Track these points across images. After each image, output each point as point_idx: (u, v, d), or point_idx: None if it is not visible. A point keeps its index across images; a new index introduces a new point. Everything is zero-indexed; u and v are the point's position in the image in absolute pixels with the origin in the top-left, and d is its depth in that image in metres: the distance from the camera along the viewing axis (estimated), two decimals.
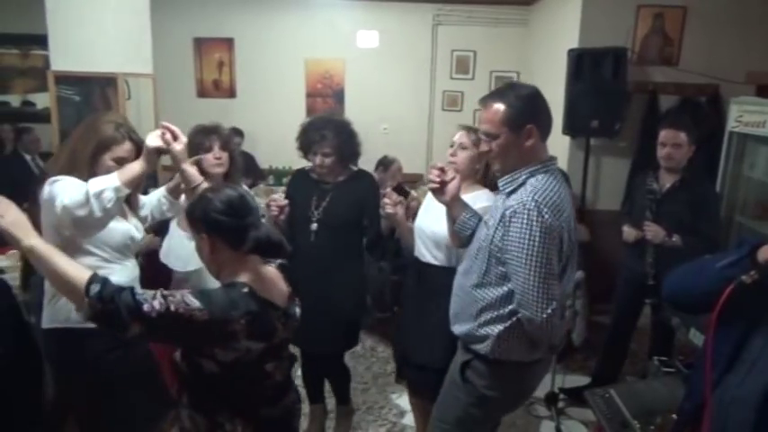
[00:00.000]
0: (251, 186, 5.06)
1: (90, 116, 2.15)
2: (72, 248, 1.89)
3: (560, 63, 4.30)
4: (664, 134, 3.00)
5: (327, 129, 2.62)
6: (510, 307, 1.83)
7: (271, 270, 1.67)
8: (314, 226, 2.66)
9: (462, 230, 2.10)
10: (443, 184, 2.09)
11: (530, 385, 2.08)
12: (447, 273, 2.33)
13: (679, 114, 4.01)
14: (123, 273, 2.02)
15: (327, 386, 3.10)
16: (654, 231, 2.95)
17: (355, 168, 2.81)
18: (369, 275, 3.35)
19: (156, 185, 3.15)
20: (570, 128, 4.16)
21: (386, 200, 2.47)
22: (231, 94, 6.33)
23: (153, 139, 1.96)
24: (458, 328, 2.01)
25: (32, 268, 2.06)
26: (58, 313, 1.97)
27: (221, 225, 1.52)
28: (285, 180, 5.76)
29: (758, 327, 1.42)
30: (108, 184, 1.88)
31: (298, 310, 1.70)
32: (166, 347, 1.95)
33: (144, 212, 2.26)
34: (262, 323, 1.50)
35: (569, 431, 3.20)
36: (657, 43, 4.37)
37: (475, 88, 6.23)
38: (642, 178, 3.19)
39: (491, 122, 1.82)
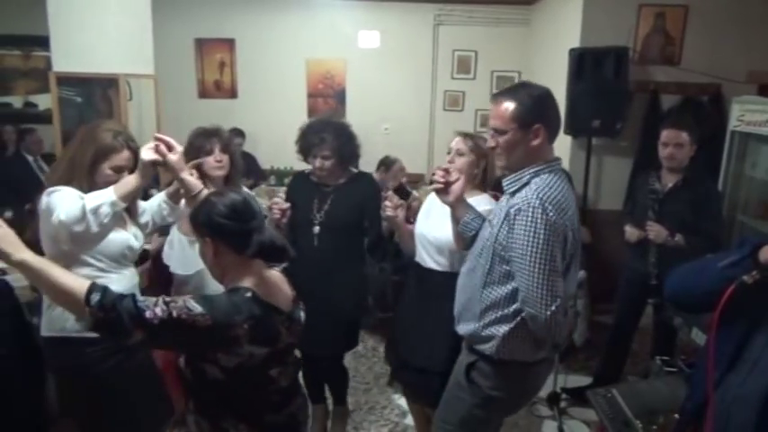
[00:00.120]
0: (252, 187, 5.07)
1: (89, 124, 2.15)
2: (68, 259, 1.90)
3: (562, 63, 4.29)
4: (666, 134, 2.99)
5: (327, 131, 2.62)
6: (514, 306, 1.83)
7: (275, 274, 1.67)
8: (316, 229, 2.67)
9: (466, 231, 2.10)
10: (447, 184, 2.10)
11: (534, 385, 2.08)
12: (448, 277, 2.32)
13: (681, 114, 4.01)
14: (121, 282, 2.01)
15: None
16: (656, 231, 2.94)
17: (355, 170, 2.81)
18: (370, 275, 3.35)
19: (157, 186, 3.16)
20: (572, 128, 4.15)
21: (387, 203, 2.47)
22: (232, 94, 6.33)
23: (147, 153, 1.96)
24: (462, 328, 2.01)
25: None
26: (55, 322, 1.98)
27: (225, 229, 1.52)
28: (286, 180, 5.77)
29: (760, 326, 1.42)
30: (104, 199, 1.88)
31: (302, 315, 1.69)
32: (171, 355, 1.96)
33: (144, 219, 2.26)
34: (265, 328, 1.49)
35: (571, 431, 3.20)
36: (659, 42, 4.37)
37: (476, 88, 6.25)
38: (644, 178, 3.19)
39: (500, 118, 1.82)
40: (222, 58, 6.25)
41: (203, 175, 2.34)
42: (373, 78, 6.22)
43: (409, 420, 3.18)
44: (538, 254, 1.71)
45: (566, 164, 4.37)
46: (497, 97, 1.86)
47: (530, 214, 1.72)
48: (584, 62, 4.07)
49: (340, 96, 6.33)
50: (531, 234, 1.71)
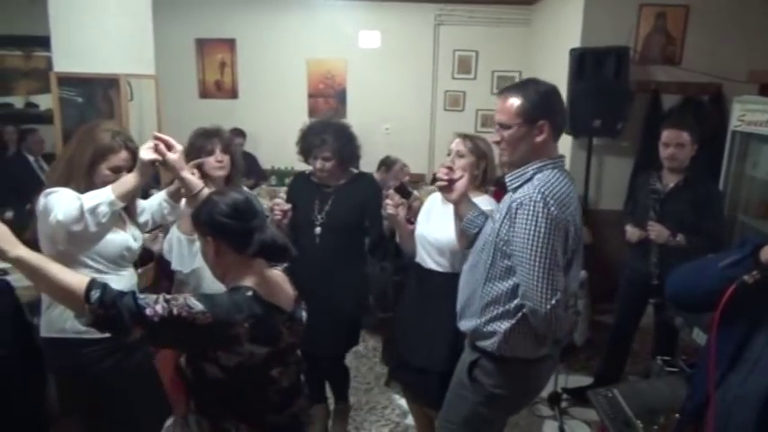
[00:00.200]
0: (253, 187, 5.08)
1: (87, 124, 2.15)
2: (66, 260, 1.88)
3: (562, 62, 4.29)
4: (667, 134, 2.99)
5: (327, 133, 2.63)
6: (516, 302, 1.83)
7: (277, 273, 1.66)
8: (317, 229, 2.68)
9: (469, 228, 2.10)
10: (451, 182, 2.11)
11: (537, 383, 2.08)
12: (449, 278, 2.33)
13: (682, 114, 4.00)
14: (119, 283, 1.98)
15: (328, 387, 3.11)
16: (658, 231, 2.94)
17: (355, 171, 2.81)
18: (371, 275, 3.35)
19: (158, 185, 3.16)
20: (572, 128, 4.15)
21: (388, 201, 2.48)
22: (233, 94, 6.33)
23: (146, 152, 1.94)
24: (464, 324, 2.00)
25: None
26: (54, 323, 1.98)
27: (226, 228, 1.52)
28: (287, 181, 5.77)
29: (760, 326, 1.42)
30: (102, 198, 1.87)
31: (304, 314, 1.69)
32: (172, 355, 1.96)
33: (144, 218, 2.26)
34: (266, 327, 1.49)
35: (572, 431, 3.20)
36: (660, 42, 4.36)
37: (477, 88, 6.24)
38: (645, 178, 3.19)
39: (506, 113, 1.83)
40: (223, 59, 6.25)
41: (204, 176, 2.34)
42: (374, 78, 6.22)
43: (410, 420, 3.18)
44: (538, 248, 1.71)
45: (566, 164, 4.37)
46: (505, 92, 1.87)
47: (531, 208, 1.73)
48: (584, 62, 4.06)
49: (341, 96, 6.33)
50: (533, 228, 1.72)
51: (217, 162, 2.41)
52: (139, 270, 2.32)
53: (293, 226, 2.65)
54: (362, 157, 2.82)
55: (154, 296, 1.39)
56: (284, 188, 3.84)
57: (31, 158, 5.19)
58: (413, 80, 6.27)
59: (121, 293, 1.37)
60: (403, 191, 2.52)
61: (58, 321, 1.95)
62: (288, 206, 2.58)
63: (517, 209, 1.76)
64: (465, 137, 2.44)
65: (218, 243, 1.54)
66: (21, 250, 1.37)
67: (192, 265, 2.30)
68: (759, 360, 1.40)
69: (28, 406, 2.56)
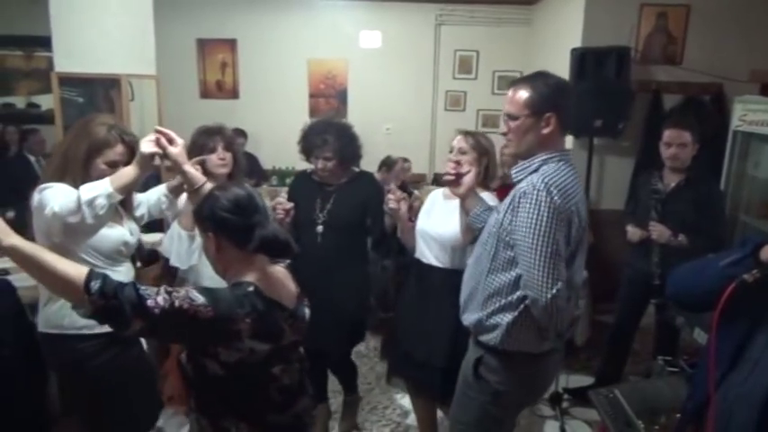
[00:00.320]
0: (253, 187, 5.07)
1: (82, 118, 2.13)
2: (62, 254, 1.86)
3: (563, 62, 4.29)
4: (668, 134, 2.99)
5: (328, 133, 2.63)
6: (518, 293, 1.82)
7: (279, 270, 1.65)
8: (319, 228, 2.69)
9: (476, 223, 2.11)
10: (459, 176, 2.12)
11: (543, 379, 2.07)
12: (449, 274, 2.34)
13: (683, 114, 4.00)
14: (116, 279, 1.99)
15: (331, 386, 3.11)
16: (659, 231, 2.94)
17: (357, 170, 2.82)
18: (372, 275, 3.36)
19: (158, 184, 3.16)
20: (573, 127, 4.14)
21: (390, 196, 2.49)
22: (234, 94, 6.34)
23: (147, 145, 1.92)
24: (467, 318, 1.99)
25: None
26: (51, 319, 1.98)
27: (227, 223, 1.51)
28: (288, 181, 5.77)
29: (761, 325, 1.41)
30: (100, 190, 1.85)
31: (307, 311, 1.68)
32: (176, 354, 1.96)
33: (140, 211, 2.24)
34: (267, 323, 1.47)
35: (573, 431, 3.20)
36: (661, 42, 4.36)
37: (478, 88, 6.25)
38: (646, 178, 3.19)
39: (514, 104, 1.84)
40: (224, 59, 6.26)
41: (207, 174, 2.35)
42: (375, 78, 6.22)
43: (411, 420, 3.18)
44: (540, 236, 1.71)
45: None
46: (515, 84, 1.88)
47: (534, 196, 1.73)
48: (585, 62, 4.06)
49: (341, 96, 6.33)
50: (535, 216, 1.72)
51: (219, 160, 2.42)
52: (138, 264, 2.30)
53: (295, 225, 2.66)
54: (363, 158, 2.82)
55: (155, 288, 1.37)
56: (285, 188, 3.84)
57: (33, 159, 5.20)
58: (414, 80, 6.28)
59: (122, 284, 1.34)
60: (404, 191, 2.54)
61: (56, 317, 1.95)
62: (290, 205, 2.58)
63: (520, 198, 1.77)
64: (467, 133, 2.45)
65: (220, 239, 1.53)
66: (14, 239, 1.33)
67: (191, 262, 2.30)
68: (760, 359, 1.40)
69: (30, 406, 2.57)
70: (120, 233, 2.05)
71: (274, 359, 1.53)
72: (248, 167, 3.82)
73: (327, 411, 3.06)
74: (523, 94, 1.82)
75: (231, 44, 6.22)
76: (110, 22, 3.63)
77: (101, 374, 1.98)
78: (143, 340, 2.16)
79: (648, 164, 3.51)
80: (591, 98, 3.99)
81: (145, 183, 2.22)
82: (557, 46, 4.87)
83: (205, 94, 6.34)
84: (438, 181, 2.99)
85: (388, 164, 4.85)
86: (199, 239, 1.87)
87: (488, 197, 2.35)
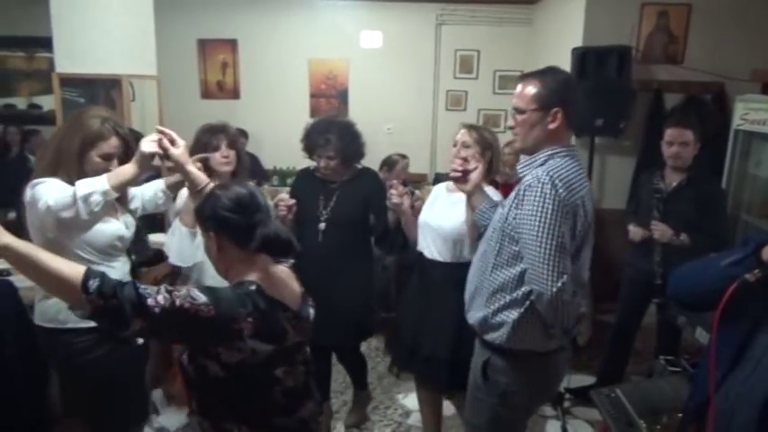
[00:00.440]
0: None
1: (75, 111, 2.12)
2: (55, 249, 1.83)
3: (564, 62, 4.28)
4: (670, 133, 2.99)
5: (331, 132, 2.64)
6: (523, 289, 1.81)
7: (283, 270, 1.62)
8: (322, 225, 2.69)
9: (482, 220, 2.11)
10: (466, 173, 2.12)
11: (551, 379, 2.06)
12: (451, 268, 2.35)
13: (684, 113, 3.99)
14: (110, 274, 1.95)
15: (332, 386, 3.11)
16: (661, 230, 2.94)
17: (359, 166, 2.82)
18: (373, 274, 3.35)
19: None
20: (574, 127, 4.14)
21: (392, 191, 2.50)
22: (235, 95, 6.34)
23: (148, 145, 1.92)
24: (472, 315, 1.97)
25: None
26: (46, 313, 1.98)
27: (229, 223, 1.49)
28: (289, 181, 5.77)
29: (763, 325, 1.41)
30: (96, 187, 1.84)
31: (312, 312, 1.65)
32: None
33: (133, 205, 2.22)
34: (269, 323, 1.45)
35: (575, 431, 3.19)
36: (662, 41, 4.36)
37: (479, 88, 6.24)
38: (648, 177, 3.18)
39: (522, 98, 1.84)
40: (225, 59, 6.25)
41: (210, 171, 2.36)
42: (376, 78, 6.22)
43: (412, 420, 3.18)
44: (545, 228, 1.70)
45: None
46: (524, 78, 1.89)
47: (539, 189, 1.72)
48: (586, 61, 4.06)
49: (342, 96, 6.33)
50: (539, 209, 1.71)
51: (223, 158, 2.43)
52: (132, 256, 2.29)
53: (297, 222, 2.66)
54: (365, 157, 2.82)
55: (155, 287, 1.34)
56: (286, 188, 3.84)
57: (34, 159, 5.20)
58: (414, 80, 6.27)
59: (121, 283, 1.30)
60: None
61: (52, 311, 1.95)
62: (292, 201, 2.58)
63: (525, 191, 1.77)
64: (471, 127, 2.48)
65: (221, 238, 1.51)
66: (7, 238, 1.28)
67: (194, 259, 2.30)
68: (762, 359, 1.39)
69: (31, 405, 2.57)
70: (114, 227, 2.04)
71: (277, 360, 1.51)
72: (250, 167, 3.82)
73: (329, 411, 3.06)
74: (532, 88, 1.83)
75: (232, 44, 6.21)
76: (111, 23, 3.64)
77: (97, 368, 1.98)
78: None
79: (650, 163, 3.51)
80: (592, 97, 3.98)
81: (146, 180, 2.23)
82: (558, 45, 4.86)
83: (206, 94, 6.34)
84: (440, 181, 3.00)
85: (389, 163, 4.84)
86: (200, 236, 1.86)
87: (492, 191, 2.36)
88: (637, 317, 3.32)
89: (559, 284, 1.70)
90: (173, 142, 1.97)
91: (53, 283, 1.29)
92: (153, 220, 3.27)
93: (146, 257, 3.05)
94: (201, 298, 1.34)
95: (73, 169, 1.92)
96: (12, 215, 4.25)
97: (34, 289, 2.05)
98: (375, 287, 3.49)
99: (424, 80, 6.29)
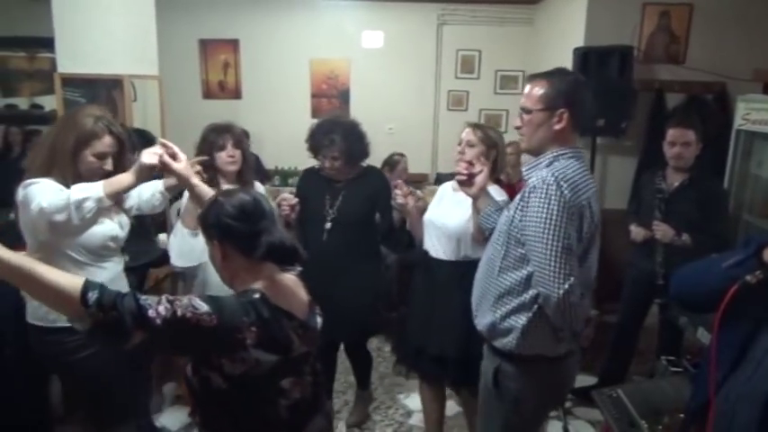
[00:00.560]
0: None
1: (68, 110, 2.11)
2: (48, 250, 1.86)
3: (566, 62, 4.27)
4: (672, 133, 2.99)
5: (335, 132, 2.64)
6: (531, 292, 1.80)
7: (289, 278, 1.58)
8: (328, 225, 2.69)
9: (487, 223, 2.11)
10: (471, 176, 2.12)
11: (562, 384, 2.05)
12: (456, 266, 2.35)
13: (686, 113, 3.99)
14: (102, 275, 1.94)
15: (334, 386, 3.11)
16: (663, 230, 2.93)
17: (364, 165, 2.83)
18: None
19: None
20: (581, 128, 4.14)
21: (397, 191, 2.51)
22: (236, 95, 6.33)
23: (149, 157, 1.91)
24: (480, 322, 1.96)
25: None
26: (37, 311, 1.98)
27: (233, 230, 1.46)
28: (291, 181, 5.79)
29: (764, 326, 1.41)
30: (91, 193, 1.83)
31: (319, 320, 1.61)
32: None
33: (128, 204, 2.21)
34: (273, 331, 1.40)
35: (577, 431, 3.19)
36: (663, 41, 4.35)
37: (480, 88, 6.24)
38: (649, 177, 3.18)
39: (530, 98, 1.85)
40: (226, 59, 6.25)
41: (216, 171, 2.39)
42: (377, 78, 6.21)
43: (414, 420, 3.18)
44: (551, 230, 1.70)
45: None
46: (533, 78, 1.89)
47: (544, 191, 1.72)
48: (588, 61, 4.05)
49: (344, 96, 6.33)
50: (545, 210, 1.71)
51: (228, 157, 2.44)
52: (132, 258, 2.29)
53: (301, 221, 2.66)
54: (369, 156, 2.83)
55: (155, 297, 1.30)
56: (288, 188, 3.84)
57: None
58: (416, 80, 6.27)
59: (121, 294, 1.26)
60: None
61: (40, 310, 1.95)
62: (295, 200, 2.58)
63: (530, 193, 1.76)
64: (475, 126, 2.48)
65: (225, 246, 1.48)
66: (0, 250, 1.23)
67: (192, 261, 2.30)
68: (763, 360, 1.39)
69: (31, 405, 2.57)
70: (108, 228, 2.03)
71: (283, 371, 1.46)
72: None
73: (330, 410, 3.07)
74: (539, 89, 1.83)
75: (233, 44, 6.21)
76: (112, 23, 3.64)
77: (87, 367, 1.97)
78: None
79: (651, 163, 3.51)
80: (593, 97, 3.97)
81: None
82: (559, 45, 4.86)
83: (208, 94, 6.34)
84: (441, 180, 3.01)
85: (390, 163, 4.83)
86: (201, 237, 1.86)
87: (496, 190, 2.36)
88: (639, 317, 3.32)
89: (566, 286, 1.70)
90: (174, 156, 1.96)
91: (50, 296, 1.25)
92: (157, 224, 3.28)
93: (155, 258, 3.06)
94: (203, 307, 1.31)
95: (67, 169, 1.91)
96: (12, 215, 4.26)
97: None
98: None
99: (425, 80, 6.29)
